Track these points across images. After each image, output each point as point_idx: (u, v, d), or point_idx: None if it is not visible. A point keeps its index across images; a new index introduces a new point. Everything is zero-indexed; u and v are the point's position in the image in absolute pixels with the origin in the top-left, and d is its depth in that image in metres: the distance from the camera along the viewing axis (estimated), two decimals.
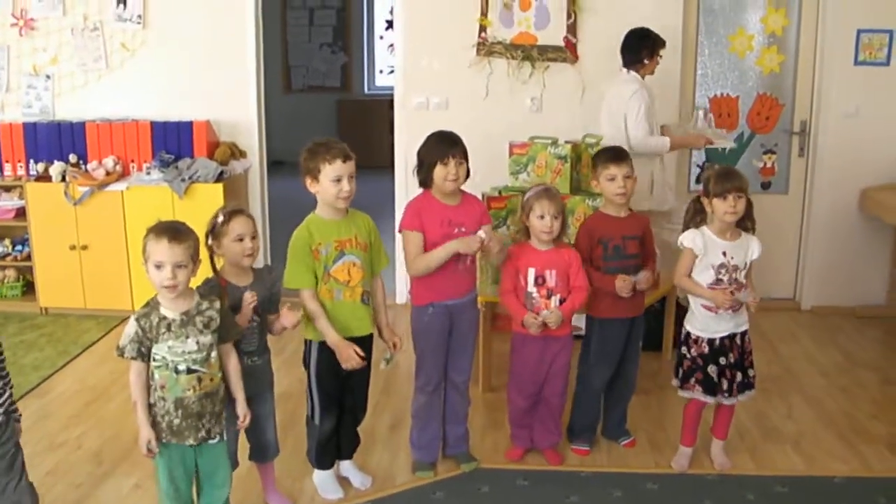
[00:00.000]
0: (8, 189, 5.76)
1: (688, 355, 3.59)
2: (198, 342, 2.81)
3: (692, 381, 3.58)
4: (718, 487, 3.55)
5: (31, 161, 5.68)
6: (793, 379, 4.70)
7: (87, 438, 4.00)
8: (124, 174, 5.59)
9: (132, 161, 5.63)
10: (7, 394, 2.83)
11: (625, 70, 4.94)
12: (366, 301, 3.31)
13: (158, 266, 2.73)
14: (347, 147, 3.23)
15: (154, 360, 2.80)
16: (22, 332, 5.35)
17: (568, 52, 5.51)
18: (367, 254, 3.32)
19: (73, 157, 5.62)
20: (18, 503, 2.87)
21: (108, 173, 5.50)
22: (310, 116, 11.44)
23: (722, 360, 3.54)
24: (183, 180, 5.37)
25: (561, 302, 3.54)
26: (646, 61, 4.91)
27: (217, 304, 2.89)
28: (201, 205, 5.24)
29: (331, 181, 3.17)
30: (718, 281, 3.47)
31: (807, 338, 5.36)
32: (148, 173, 5.49)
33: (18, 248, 5.83)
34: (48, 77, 5.86)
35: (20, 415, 2.95)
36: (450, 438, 3.72)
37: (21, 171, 5.71)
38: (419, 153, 3.47)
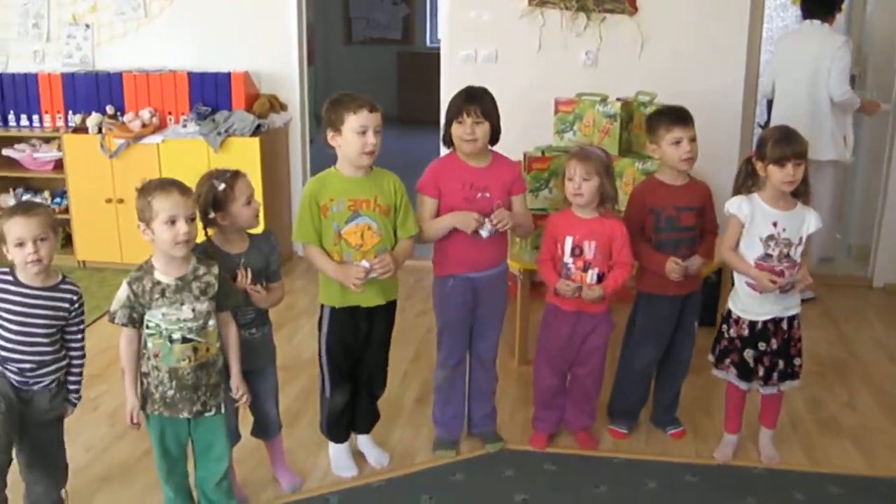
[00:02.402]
0: (47, 140, 5.66)
1: (726, 334, 3.30)
2: (193, 309, 2.62)
3: (727, 361, 3.30)
4: (765, 483, 3.25)
5: (70, 112, 5.58)
6: (857, 364, 4.32)
7: (105, 399, 3.88)
8: (161, 126, 5.44)
9: (169, 113, 5.48)
10: (64, 363, 2.74)
11: (816, 21, 4.92)
12: None
13: (172, 221, 2.54)
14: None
15: (147, 327, 2.63)
16: None
17: (626, 3, 5.12)
18: (389, 218, 3.04)
19: (110, 109, 5.49)
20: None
21: (144, 125, 5.35)
22: (370, 69, 11.27)
23: (762, 346, 3.23)
24: (219, 134, 5.20)
25: (599, 278, 3.23)
26: (836, 13, 4.96)
27: (215, 269, 2.69)
28: (237, 159, 5.06)
29: (355, 133, 2.89)
30: (767, 256, 3.13)
31: (877, 319, 4.95)
32: (184, 126, 5.34)
33: (57, 200, 5.75)
34: (87, 26, 5.72)
35: (79, 397, 2.86)
36: (474, 416, 3.49)
37: (59, 123, 5.61)
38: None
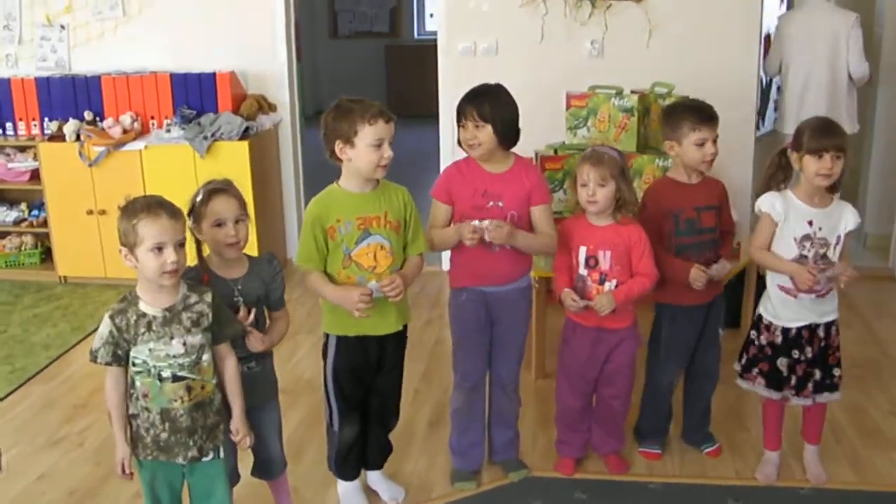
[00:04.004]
0: (22, 149, 5.36)
1: (756, 342, 3.03)
2: (185, 343, 2.32)
3: (754, 371, 3.04)
4: None
5: (45, 119, 5.27)
6: (893, 365, 4.05)
7: (91, 433, 3.58)
8: (143, 132, 5.14)
9: (152, 117, 5.18)
10: None
11: None
12: None
13: (159, 248, 2.24)
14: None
15: (134, 364, 2.33)
16: (37, 303, 4.98)
17: None
18: (400, 235, 2.75)
19: (88, 115, 5.17)
20: None
21: (125, 131, 5.05)
22: (357, 63, 11.04)
23: (796, 354, 2.97)
24: (205, 138, 4.90)
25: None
26: None
27: (208, 297, 2.39)
28: (225, 165, 4.79)
29: (371, 145, 2.59)
30: (802, 258, 2.88)
31: None
32: (168, 130, 5.03)
33: (35, 212, 5.44)
34: (62, 27, 5.40)
35: None
36: (495, 443, 3.21)
37: (35, 130, 5.31)
38: None
